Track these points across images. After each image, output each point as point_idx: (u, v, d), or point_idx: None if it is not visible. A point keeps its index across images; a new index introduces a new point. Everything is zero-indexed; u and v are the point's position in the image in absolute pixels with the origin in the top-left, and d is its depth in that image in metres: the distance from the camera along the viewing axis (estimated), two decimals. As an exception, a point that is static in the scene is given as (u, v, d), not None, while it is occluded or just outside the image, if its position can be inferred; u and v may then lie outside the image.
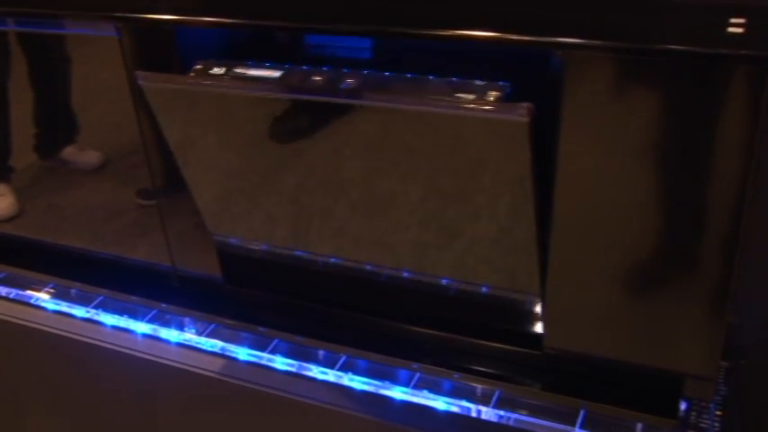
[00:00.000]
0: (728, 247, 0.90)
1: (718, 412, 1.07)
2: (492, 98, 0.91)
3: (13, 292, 1.45)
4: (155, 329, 1.32)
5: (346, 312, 1.22)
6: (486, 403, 1.10)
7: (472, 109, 0.90)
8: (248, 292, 1.30)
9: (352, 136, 1.03)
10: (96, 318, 1.37)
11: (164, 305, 1.35)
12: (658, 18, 0.80)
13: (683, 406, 1.04)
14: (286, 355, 1.22)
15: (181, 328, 1.32)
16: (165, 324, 1.33)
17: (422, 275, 1.13)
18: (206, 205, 1.21)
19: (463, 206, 1.02)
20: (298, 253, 1.22)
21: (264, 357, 1.23)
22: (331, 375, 1.18)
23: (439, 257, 1.10)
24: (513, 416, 1.08)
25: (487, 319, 1.13)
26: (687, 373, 1.01)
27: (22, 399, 1.49)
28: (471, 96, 0.92)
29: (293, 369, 1.21)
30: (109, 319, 1.36)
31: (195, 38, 1.11)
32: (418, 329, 1.18)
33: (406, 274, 1.15)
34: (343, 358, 1.20)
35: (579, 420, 1.06)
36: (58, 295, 1.43)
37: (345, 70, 1.01)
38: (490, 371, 1.13)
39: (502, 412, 1.09)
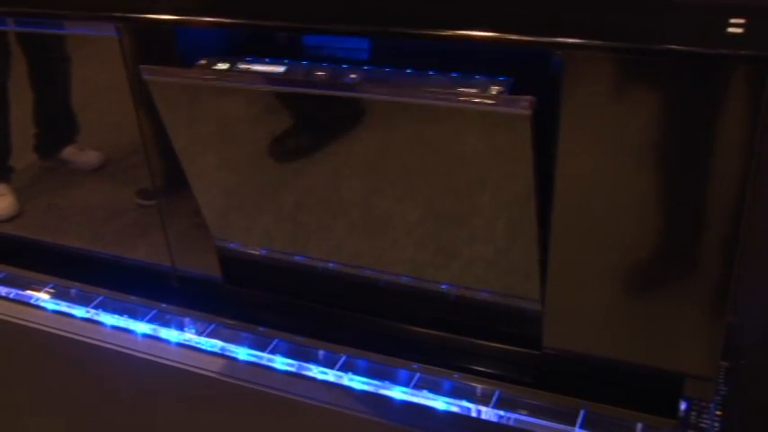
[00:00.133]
0: (728, 248, 0.90)
1: (718, 412, 1.07)
2: (494, 92, 0.91)
3: (13, 292, 1.45)
4: (155, 329, 1.32)
5: (346, 312, 1.22)
6: (486, 403, 1.10)
7: (475, 102, 0.90)
8: (248, 292, 1.30)
9: (356, 135, 1.03)
10: (96, 318, 1.37)
11: (164, 305, 1.35)
12: (658, 18, 0.80)
13: (683, 406, 1.04)
14: (286, 355, 1.22)
15: (181, 328, 1.32)
16: (165, 324, 1.33)
17: (422, 281, 1.14)
18: (210, 209, 1.21)
19: (465, 206, 1.02)
20: (298, 258, 1.22)
21: (264, 357, 1.23)
22: (331, 375, 1.18)
23: (439, 260, 1.10)
24: (513, 416, 1.08)
25: (487, 320, 1.13)
26: (687, 373, 1.01)
27: (21, 399, 1.49)
28: (474, 90, 0.92)
29: (293, 369, 1.21)
30: (109, 319, 1.36)
31: (195, 38, 1.11)
32: (418, 329, 1.18)
33: (405, 279, 1.15)
34: (343, 358, 1.20)
35: (579, 420, 1.06)
36: (58, 295, 1.43)
37: (347, 67, 1.01)
38: (490, 371, 1.13)
39: (502, 412, 1.09)
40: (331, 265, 1.19)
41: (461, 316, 1.14)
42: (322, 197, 1.12)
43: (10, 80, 1.32)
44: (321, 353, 1.22)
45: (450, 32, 0.90)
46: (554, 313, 1.04)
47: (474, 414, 1.10)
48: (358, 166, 1.06)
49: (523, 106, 0.87)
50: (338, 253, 1.17)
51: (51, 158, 1.40)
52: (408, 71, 0.99)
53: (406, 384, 1.14)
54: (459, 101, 0.91)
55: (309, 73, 1.02)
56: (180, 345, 1.29)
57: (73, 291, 1.43)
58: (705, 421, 1.05)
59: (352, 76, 0.99)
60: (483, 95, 0.91)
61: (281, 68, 1.03)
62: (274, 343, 1.25)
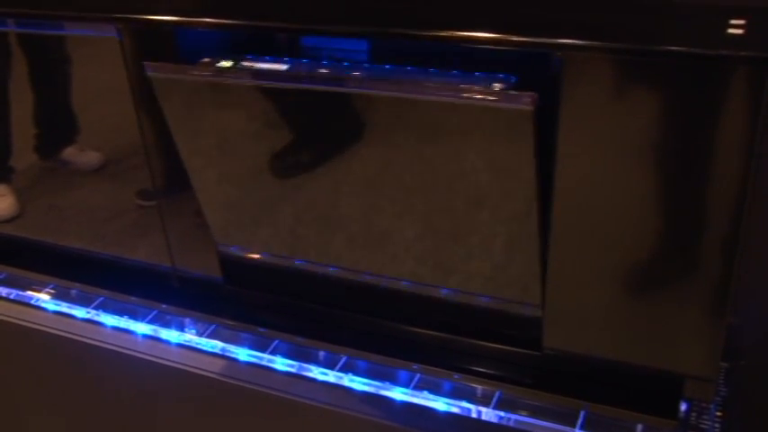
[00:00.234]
0: (728, 248, 0.90)
1: (718, 413, 1.07)
2: (497, 89, 0.91)
3: (14, 293, 1.45)
4: (155, 330, 1.32)
5: (346, 313, 1.22)
6: (486, 404, 1.10)
7: (477, 99, 0.90)
8: (248, 292, 1.30)
9: (355, 151, 1.04)
10: (96, 318, 1.37)
11: (164, 306, 1.35)
12: (658, 19, 0.80)
13: (683, 407, 1.04)
14: (286, 355, 1.22)
15: (181, 328, 1.32)
16: (166, 325, 1.33)
17: (422, 286, 1.14)
18: (212, 214, 1.21)
19: (467, 212, 1.02)
20: (299, 262, 1.22)
21: (265, 358, 1.23)
22: (331, 376, 1.18)
23: (440, 266, 1.10)
24: (514, 417, 1.08)
25: (487, 322, 1.13)
26: (687, 374, 1.01)
27: (22, 399, 1.49)
28: (476, 87, 0.92)
29: (293, 370, 1.21)
30: (109, 319, 1.36)
31: (196, 38, 1.11)
32: (418, 330, 1.18)
33: (405, 284, 1.15)
34: (344, 359, 1.20)
35: (579, 421, 1.06)
36: (59, 296, 1.43)
37: (349, 65, 1.02)
38: (490, 372, 1.13)
39: (502, 413, 1.09)
40: (331, 269, 1.19)
41: (462, 319, 1.14)
42: (321, 212, 1.13)
43: (11, 81, 1.32)
44: (321, 354, 1.22)
45: (450, 33, 0.90)
46: (554, 314, 1.04)
47: (474, 415, 1.10)
48: (358, 182, 1.06)
49: (526, 102, 0.87)
50: (339, 260, 1.18)
51: (52, 159, 1.40)
52: (410, 69, 0.99)
53: (407, 385, 1.14)
54: (462, 97, 0.91)
55: (312, 70, 1.02)
56: (180, 345, 1.29)
57: (73, 291, 1.43)
58: (705, 422, 1.05)
59: (355, 73, 1.00)
60: (486, 91, 0.91)
61: (283, 66, 1.04)
62: (275, 344, 1.25)
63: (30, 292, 1.44)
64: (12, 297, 1.44)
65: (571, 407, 1.07)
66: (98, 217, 1.38)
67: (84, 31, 1.17)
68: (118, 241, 1.38)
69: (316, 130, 1.10)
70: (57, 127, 1.36)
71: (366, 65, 1.04)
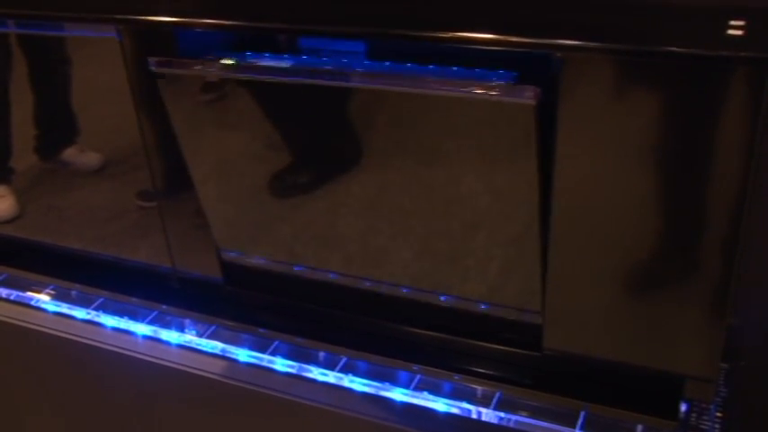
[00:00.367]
0: (728, 249, 0.90)
1: (718, 414, 1.07)
2: (499, 83, 0.91)
3: (14, 294, 1.45)
4: (155, 331, 1.32)
5: (346, 314, 1.22)
6: (486, 405, 1.10)
7: (479, 93, 0.90)
8: (248, 293, 1.30)
9: (354, 175, 1.05)
10: (97, 319, 1.37)
11: (164, 307, 1.35)
12: (658, 20, 0.80)
13: (683, 407, 1.04)
14: (286, 356, 1.22)
15: (181, 329, 1.32)
16: (166, 326, 1.33)
17: (423, 292, 1.14)
18: (214, 216, 1.21)
19: (467, 205, 1.02)
20: (299, 269, 1.22)
21: (265, 359, 1.23)
22: (331, 377, 1.18)
23: (439, 271, 1.10)
24: (514, 417, 1.08)
25: (488, 324, 1.13)
26: (687, 375, 1.01)
27: (22, 400, 1.49)
28: (478, 81, 0.92)
29: (294, 371, 1.21)
30: (109, 320, 1.36)
31: (196, 39, 1.11)
32: (418, 331, 1.18)
33: (405, 290, 1.15)
34: (344, 360, 1.20)
35: (579, 422, 1.06)
36: (59, 297, 1.43)
37: (349, 62, 1.02)
38: (490, 372, 1.13)
39: (502, 414, 1.09)
40: (332, 275, 1.20)
41: (461, 322, 1.14)
42: (323, 226, 1.14)
43: (11, 81, 1.32)
44: (322, 354, 1.22)
45: (450, 34, 0.90)
46: (554, 315, 1.04)
47: (474, 416, 1.10)
48: (359, 182, 1.07)
49: (528, 96, 0.87)
50: (339, 270, 1.19)
51: (52, 160, 1.40)
52: (410, 67, 0.99)
53: (407, 386, 1.14)
54: (464, 91, 0.91)
55: (315, 66, 1.02)
56: (180, 346, 1.29)
57: (73, 292, 1.43)
58: (705, 423, 1.05)
59: (355, 69, 1.00)
60: (487, 85, 0.91)
61: (287, 63, 1.04)
62: (275, 344, 1.25)
63: (30, 293, 1.44)
64: (12, 298, 1.44)
65: (571, 407, 1.07)
66: (98, 218, 1.38)
67: (84, 32, 1.18)
68: (118, 242, 1.38)
69: (315, 151, 1.11)
70: (57, 128, 1.36)
71: (366, 62, 1.04)
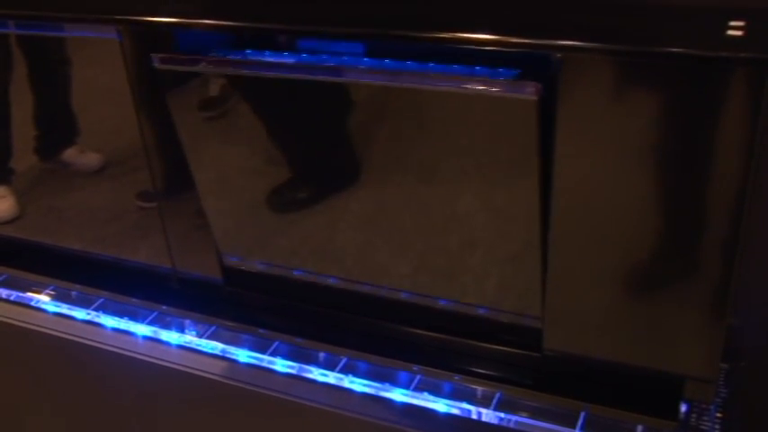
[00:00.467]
0: (728, 250, 0.90)
1: (718, 414, 1.07)
2: (501, 79, 0.91)
3: (14, 294, 1.45)
4: (155, 331, 1.32)
5: (347, 314, 1.22)
6: (486, 405, 1.10)
7: (481, 89, 0.91)
8: (249, 294, 1.30)
9: (353, 191, 1.06)
10: (97, 320, 1.37)
11: (164, 307, 1.35)
12: (658, 20, 0.81)
13: (683, 408, 1.04)
14: (286, 357, 1.22)
15: (181, 330, 1.32)
16: (166, 326, 1.33)
17: (422, 297, 1.14)
18: (217, 223, 1.22)
19: (468, 209, 1.02)
20: (298, 273, 1.23)
21: (265, 359, 1.23)
22: (331, 377, 1.18)
23: (440, 273, 1.11)
24: (514, 418, 1.08)
25: (487, 326, 1.13)
26: (687, 375, 1.01)
27: (22, 401, 1.49)
28: (480, 77, 0.92)
29: (294, 371, 1.21)
30: (109, 321, 1.36)
31: (196, 40, 1.11)
32: (418, 331, 1.18)
33: (405, 295, 1.16)
34: (344, 360, 1.20)
35: (580, 422, 1.06)
36: (59, 297, 1.43)
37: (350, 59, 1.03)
38: (491, 373, 1.13)
39: (502, 414, 1.09)
40: (332, 280, 1.20)
41: (461, 325, 1.14)
42: (317, 245, 1.15)
43: (11, 82, 1.32)
44: (322, 355, 1.22)
45: (450, 35, 0.90)
46: (554, 315, 1.04)
47: (474, 416, 1.10)
48: (361, 182, 1.07)
49: (530, 92, 0.87)
50: (340, 271, 1.19)
51: (52, 160, 1.40)
52: (411, 65, 0.99)
53: (407, 386, 1.14)
54: (466, 87, 0.91)
55: (316, 63, 1.03)
56: (180, 347, 1.29)
57: (73, 293, 1.43)
58: (705, 423, 1.05)
59: (358, 65, 1.00)
60: (489, 81, 0.91)
61: (291, 59, 1.04)
62: (275, 345, 1.25)
63: (30, 294, 1.44)
64: (12, 298, 1.44)
65: (571, 408, 1.07)
66: (98, 218, 1.38)
67: (85, 33, 1.18)
68: (118, 243, 1.38)
69: (314, 165, 1.12)
70: (57, 128, 1.36)
71: (367, 59, 1.04)
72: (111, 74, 1.16)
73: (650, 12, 0.80)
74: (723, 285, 0.92)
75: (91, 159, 1.32)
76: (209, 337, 1.29)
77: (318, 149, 1.11)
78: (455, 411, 1.11)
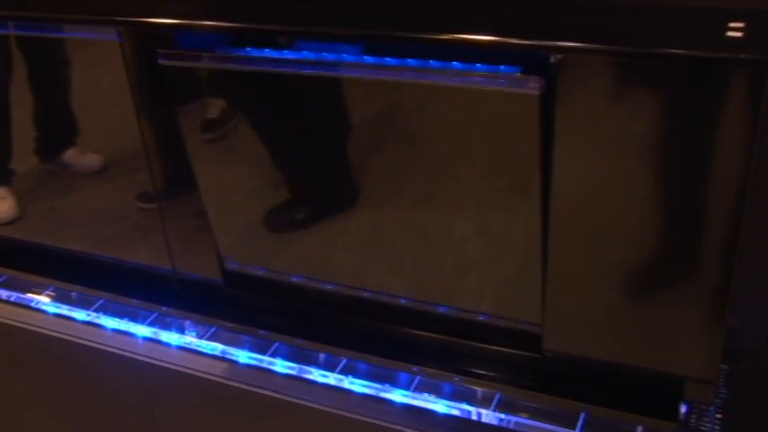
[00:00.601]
0: (728, 250, 0.90)
1: (718, 415, 1.07)
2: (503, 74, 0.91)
3: (14, 296, 1.45)
4: (155, 332, 1.32)
5: (347, 315, 1.22)
6: (486, 406, 1.10)
7: (483, 83, 0.91)
8: (249, 295, 1.30)
9: (351, 213, 1.07)
10: (97, 321, 1.37)
11: (164, 308, 1.35)
12: (657, 21, 0.81)
13: (683, 409, 1.04)
14: (287, 358, 1.22)
15: (181, 331, 1.32)
16: (166, 327, 1.33)
17: (422, 303, 1.15)
18: (219, 224, 1.22)
19: (468, 213, 1.02)
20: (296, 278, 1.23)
21: (265, 360, 1.23)
22: (331, 378, 1.18)
23: (438, 281, 1.11)
24: (514, 419, 1.08)
25: (488, 325, 1.13)
26: (687, 376, 1.01)
27: (22, 402, 1.49)
28: (482, 72, 0.92)
29: (294, 372, 1.21)
30: (109, 322, 1.36)
31: (196, 41, 1.11)
32: (418, 332, 1.18)
33: (404, 301, 1.16)
34: (344, 361, 1.20)
35: (580, 423, 1.06)
36: (59, 298, 1.43)
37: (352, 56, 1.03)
38: (491, 374, 1.13)
39: (502, 415, 1.09)
40: (330, 286, 1.21)
41: (461, 328, 1.14)
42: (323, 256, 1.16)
43: (11, 83, 1.32)
44: (322, 356, 1.22)
45: (450, 36, 0.90)
46: (554, 316, 1.04)
47: (474, 417, 1.10)
48: (364, 174, 1.07)
49: (532, 87, 0.87)
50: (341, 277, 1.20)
51: (52, 161, 1.40)
52: (412, 62, 0.99)
53: (407, 387, 1.14)
54: (469, 81, 0.91)
55: (316, 58, 1.03)
56: (180, 348, 1.29)
57: (74, 294, 1.43)
58: (705, 424, 1.05)
59: (360, 60, 1.01)
60: (492, 75, 0.91)
61: (289, 56, 1.04)
62: (275, 346, 1.25)
63: (30, 295, 1.44)
64: (12, 299, 1.44)
65: (571, 409, 1.07)
66: (98, 219, 1.38)
67: (85, 34, 1.18)
68: (118, 244, 1.38)
69: (312, 186, 1.13)
70: (57, 129, 1.36)
71: (368, 57, 1.04)
72: (112, 75, 1.16)
73: (650, 13, 0.81)
74: (723, 286, 0.92)
75: (91, 160, 1.32)
76: (209, 339, 1.29)
77: (317, 169, 1.12)
78: (455, 412, 1.11)
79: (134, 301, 1.37)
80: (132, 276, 1.38)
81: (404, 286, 1.14)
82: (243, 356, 1.24)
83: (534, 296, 1.03)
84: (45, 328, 1.37)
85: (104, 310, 1.38)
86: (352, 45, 1.06)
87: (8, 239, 1.49)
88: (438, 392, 1.13)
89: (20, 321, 1.39)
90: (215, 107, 1.12)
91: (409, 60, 1.00)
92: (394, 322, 1.19)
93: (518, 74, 0.90)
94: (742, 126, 0.83)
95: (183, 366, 1.25)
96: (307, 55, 1.05)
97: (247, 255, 1.24)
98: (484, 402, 1.11)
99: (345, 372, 1.18)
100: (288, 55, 1.05)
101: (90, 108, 1.28)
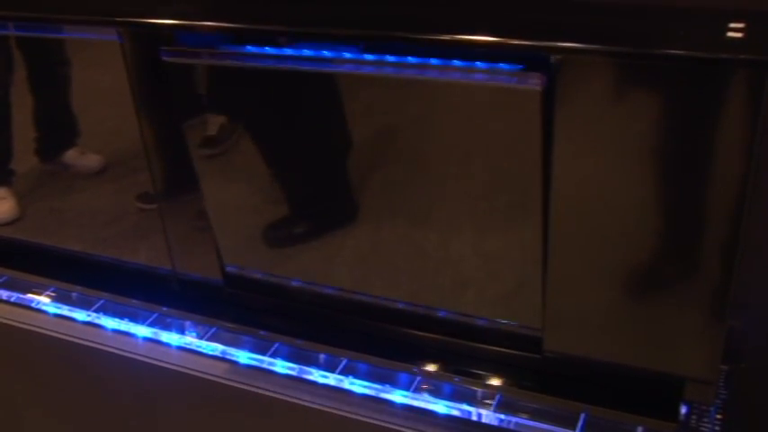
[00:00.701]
0: (728, 251, 0.90)
1: (718, 416, 1.07)
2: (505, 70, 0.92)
3: (14, 296, 1.45)
4: (155, 333, 1.32)
5: (347, 316, 1.22)
6: (486, 407, 1.10)
7: (485, 79, 0.91)
8: (249, 295, 1.30)
9: (349, 231, 1.08)
10: (97, 321, 1.37)
11: (164, 309, 1.35)
12: (657, 22, 0.81)
13: (683, 409, 1.04)
14: (287, 358, 1.22)
15: (181, 331, 1.32)
16: (166, 327, 1.33)
17: (421, 307, 1.15)
18: (220, 226, 1.22)
19: (469, 215, 1.02)
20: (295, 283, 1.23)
21: (265, 361, 1.23)
22: (332, 379, 1.18)
23: (438, 288, 1.11)
24: (514, 419, 1.08)
25: (488, 326, 1.13)
26: (687, 377, 1.01)
27: (22, 402, 1.49)
28: (484, 68, 0.92)
29: (294, 373, 1.21)
30: (110, 322, 1.36)
31: (197, 41, 1.11)
32: (419, 333, 1.18)
33: (402, 305, 1.16)
34: (344, 362, 1.20)
35: (580, 424, 1.06)
36: (59, 299, 1.43)
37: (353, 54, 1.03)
38: (491, 374, 1.13)
39: (502, 416, 1.09)
40: (330, 290, 1.21)
41: (461, 329, 1.14)
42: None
43: (12, 84, 1.32)
44: (322, 356, 1.22)
45: (450, 37, 0.90)
46: (554, 317, 1.04)
47: (475, 417, 1.10)
48: (364, 178, 1.07)
49: (534, 83, 0.87)
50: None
51: (52, 162, 1.40)
52: (413, 60, 1.00)
53: (407, 388, 1.14)
54: (471, 77, 0.91)
55: (317, 54, 1.03)
56: (181, 348, 1.29)
57: (74, 294, 1.43)
58: (705, 425, 1.05)
59: (362, 57, 1.01)
60: (495, 71, 0.91)
61: (290, 52, 1.05)
62: (275, 346, 1.25)
63: (30, 295, 1.45)
64: (12, 300, 1.44)
65: (571, 409, 1.07)
66: (99, 220, 1.38)
67: (85, 35, 1.18)
68: (118, 244, 1.38)
69: (311, 201, 1.14)
70: (57, 130, 1.36)
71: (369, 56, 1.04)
72: (112, 75, 1.16)
73: (650, 13, 0.81)
74: (723, 287, 0.92)
75: (91, 161, 1.32)
76: (209, 339, 1.29)
77: (316, 184, 1.13)
78: (455, 413, 1.11)
79: (134, 301, 1.37)
80: (132, 277, 1.38)
81: (404, 293, 1.14)
82: (243, 357, 1.24)
83: (535, 301, 1.03)
84: (45, 329, 1.37)
85: (105, 310, 1.38)
86: (353, 46, 1.06)
87: (8, 240, 1.49)
88: (438, 393, 1.13)
89: (20, 322, 1.39)
90: (215, 124, 1.13)
91: (410, 58, 1.00)
92: (394, 323, 1.19)
93: (520, 70, 0.90)
94: (742, 126, 0.83)
95: (183, 367, 1.25)
96: (305, 53, 1.05)
97: (250, 262, 1.25)
98: (484, 403, 1.11)
99: (345, 372, 1.18)
100: (290, 52, 1.05)
101: (90, 108, 1.28)
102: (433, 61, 0.97)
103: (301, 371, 1.20)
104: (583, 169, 0.92)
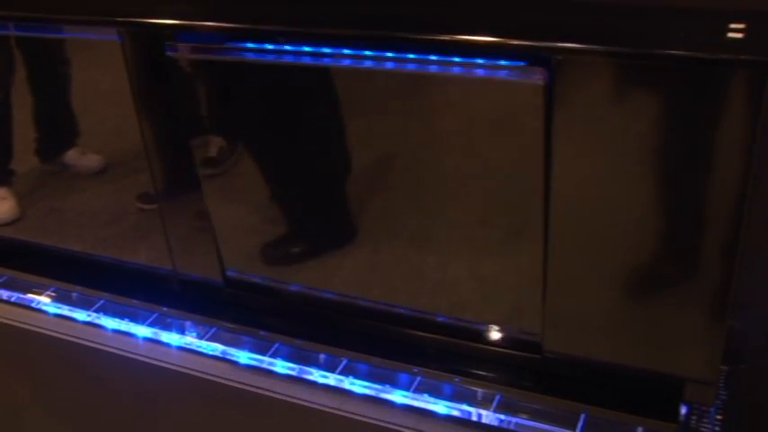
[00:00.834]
0: (728, 251, 0.90)
1: (718, 416, 1.07)
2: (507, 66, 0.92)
3: (15, 296, 1.45)
4: (155, 333, 1.32)
5: (347, 316, 1.22)
6: (486, 407, 1.10)
7: (488, 74, 0.91)
8: (249, 295, 1.30)
9: (347, 250, 1.09)
10: (97, 321, 1.37)
11: (165, 309, 1.35)
12: (657, 22, 0.81)
13: (683, 410, 1.04)
14: (287, 358, 1.23)
15: (182, 331, 1.32)
16: (166, 328, 1.33)
17: (422, 313, 1.15)
18: (221, 230, 1.22)
19: (468, 216, 1.02)
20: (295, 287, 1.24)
21: (265, 361, 1.23)
22: (332, 379, 1.18)
23: (437, 293, 1.11)
24: (514, 420, 1.08)
25: (488, 326, 1.13)
26: (687, 378, 1.01)
27: (22, 402, 1.49)
28: (487, 64, 0.92)
29: (294, 373, 1.21)
30: (110, 322, 1.36)
31: (198, 41, 1.11)
32: (419, 333, 1.18)
33: (402, 310, 1.16)
34: (344, 362, 1.20)
35: (580, 424, 1.06)
36: (59, 299, 1.43)
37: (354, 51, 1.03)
38: (491, 375, 1.13)
39: (502, 416, 1.09)
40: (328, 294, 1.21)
41: (461, 331, 1.15)
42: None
43: (12, 84, 1.32)
44: (322, 356, 1.22)
45: (450, 37, 0.90)
46: (554, 317, 1.04)
47: (475, 418, 1.10)
48: (365, 179, 1.07)
49: (537, 78, 0.87)
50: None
51: (53, 162, 1.40)
52: (413, 57, 1.00)
53: (407, 388, 1.14)
54: (474, 72, 0.91)
55: (317, 50, 1.03)
56: (181, 348, 1.29)
57: (74, 294, 1.43)
58: (706, 425, 1.05)
59: (365, 52, 1.00)
60: (497, 66, 0.91)
61: (298, 48, 1.04)
62: (275, 347, 1.25)
63: (30, 295, 1.45)
64: (12, 300, 1.44)
65: (571, 410, 1.07)
66: (99, 220, 1.38)
67: (86, 35, 1.18)
68: (119, 244, 1.38)
69: (309, 220, 1.15)
70: (58, 130, 1.36)
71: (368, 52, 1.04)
72: (113, 75, 1.16)
73: (650, 13, 0.81)
74: (723, 287, 0.92)
75: (91, 161, 1.33)
76: (209, 339, 1.29)
77: (314, 203, 1.14)
78: (455, 413, 1.11)
79: (134, 301, 1.37)
80: (133, 277, 1.38)
81: (405, 298, 1.14)
82: (243, 357, 1.24)
83: (534, 307, 1.03)
84: (45, 329, 1.37)
85: (105, 310, 1.38)
86: (353, 46, 1.07)
87: (9, 240, 1.49)
88: (438, 393, 1.13)
89: (20, 322, 1.39)
90: (215, 146, 1.13)
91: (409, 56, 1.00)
92: (394, 323, 1.19)
93: (523, 66, 0.90)
94: (742, 127, 0.83)
95: (183, 367, 1.25)
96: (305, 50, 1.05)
97: (250, 264, 1.25)
98: (484, 403, 1.11)
99: (346, 372, 1.18)
100: (287, 48, 1.05)
101: (91, 108, 1.28)
102: (434, 57, 0.97)
103: (301, 371, 1.20)
104: (582, 169, 0.92)
